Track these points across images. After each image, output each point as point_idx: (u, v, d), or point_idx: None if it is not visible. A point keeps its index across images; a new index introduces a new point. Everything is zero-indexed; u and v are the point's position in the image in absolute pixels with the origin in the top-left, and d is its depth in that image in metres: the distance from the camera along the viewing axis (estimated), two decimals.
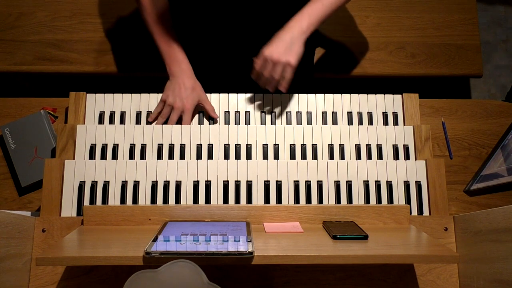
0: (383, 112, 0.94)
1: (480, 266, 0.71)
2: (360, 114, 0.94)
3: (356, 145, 0.89)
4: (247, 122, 0.94)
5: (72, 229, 0.78)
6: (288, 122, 0.94)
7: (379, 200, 0.85)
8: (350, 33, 1.38)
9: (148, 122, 0.93)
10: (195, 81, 0.95)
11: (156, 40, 0.97)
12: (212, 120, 0.94)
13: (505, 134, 1.01)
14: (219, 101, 0.95)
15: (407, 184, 0.85)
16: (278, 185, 0.84)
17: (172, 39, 0.97)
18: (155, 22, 0.97)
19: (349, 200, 0.84)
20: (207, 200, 0.84)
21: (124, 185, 0.84)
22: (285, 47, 0.85)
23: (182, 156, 0.88)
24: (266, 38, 0.97)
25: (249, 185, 0.84)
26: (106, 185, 0.84)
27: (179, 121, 0.93)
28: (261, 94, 0.95)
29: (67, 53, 1.32)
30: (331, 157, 0.89)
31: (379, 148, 0.89)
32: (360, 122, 0.93)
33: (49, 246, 0.77)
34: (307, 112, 0.94)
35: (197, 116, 0.95)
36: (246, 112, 0.94)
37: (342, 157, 0.89)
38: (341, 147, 0.89)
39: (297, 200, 0.84)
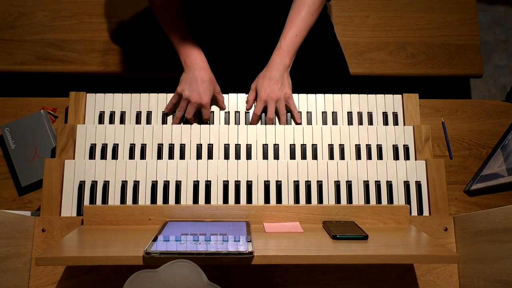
0: (383, 112, 0.94)
1: (480, 266, 0.71)
2: (360, 114, 0.94)
3: (356, 145, 0.89)
4: (247, 122, 0.94)
5: (72, 229, 0.78)
6: (288, 122, 0.94)
7: (379, 200, 0.85)
8: (350, 33, 1.38)
9: (148, 121, 0.93)
10: (210, 73, 0.95)
11: (170, 33, 0.97)
12: (223, 109, 0.94)
13: (505, 134, 1.01)
14: None
15: (407, 184, 0.85)
16: (278, 185, 0.84)
17: (186, 31, 0.97)
18: (168, 15, 0.97)
19: (349, 200, 0.84)
20: (207, 200, 0.84)
21: (124, 185, 0.84)
22: (278, 84, 0.92)
23: (182, 156, 0.88)
24: (265, 40, 0.98)
25: (249, 185, 0.84)
26: (106, 185, 0.84)
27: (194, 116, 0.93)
28: None
29: (67, 53, 1.32)
30: (331, 157, 0.89)
31: (379, 148, 0.89)
32: (360, 122, 0.93)
33: (49, 246, 0.77)
34: (307, 112, 0.94)
35: (197, 116, 0.95)
36: (246, 112, 0.94)
37: (342, 157, 0.89)
38: (341, 147, 0.89)
39: (297, 200, 0.84)
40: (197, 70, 0.93)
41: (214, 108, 0.95)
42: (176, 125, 0.91)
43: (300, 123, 0.93)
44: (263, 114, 0.94)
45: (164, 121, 0.94)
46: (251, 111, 0.94)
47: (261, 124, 0.94)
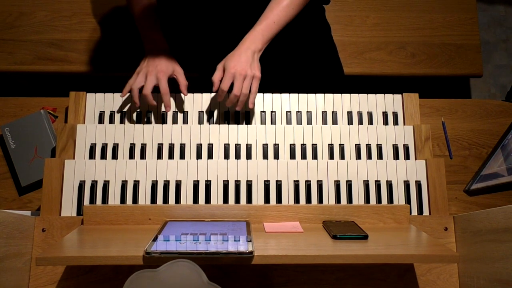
0: (383, 112, 0.94)
1: (480, 266, 0.71)
2: (360, 114, 0.94)
3: (356, 145, 0.89)
4: (247, 122, 0.94)
5: (72, 228, 0.78)
6: (288, 122, 0.94)
7: (379, 200, 0.85)
8: (350, 33, 1.38)
9: (148, 121, 0.93)
10: (170, 56, 0.96)
11: (136, 21, 1.00)
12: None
13: (505, 134, 1.01)
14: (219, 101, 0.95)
15: (407, 184, 0.85)
16: (278, 185, 0.84)
17: (152, 20, 0.99)
18: (137, 2, 0.99)
19: (349, 200, 0.84)
20: (207, 199, 0.84)
21: (124, 184, 0.84)
22: (248, 62, 0.88)
23: (182, 156, 0.88)
24: (242, 27, 0.97)
25: (249, 185, 0.84)
26: (106, 184, 0.84)
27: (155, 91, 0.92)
28: (261, 94, 0.95)
29: (67, 53, 1.32)
30: (331, 157, 0.89)
31: (379, 148, 0.89)
32: (360, 122, 0.93)
33: (49, 245, 0.77)
34: (307, 112, 0.94)
35: (197, 116, 0.95)
36: (246, 111, 0.94)
37: (342, 157, 0.89)
38: (341, 147, 0.89)
39: (297, 200, 0.84)
40: (156, 51, 0.95)
41: (214, 107, 0.95)
42: (175, 125, 0.91)
43: (252, 108, 0.92)
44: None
45: (164, 121, 0.94)
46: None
47: (261, 123, 0.94)
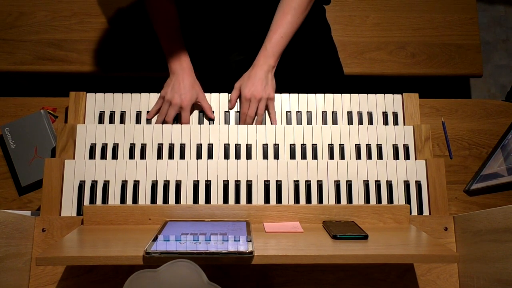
0: (383, 112, 0.94)
1: (480, 266, 0.71)
2: (360, 114, 0.94)
3: (356, 145, 0.89)
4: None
5: (72, 228, 0.78)
6: (288, 122, 0.94)
7: (379, 200, 0.85)
8: (350, 33, 1.38)
9: (148, 121, 0.93)
10: (195, 80, 0.96)
11: (160, 38, 0.98)
12: (212, 120, 0.94)
13: (505, 134, 1.01)
14: (219, 101, 0.95)
15: (407, 184, 0.85)
16: (278, 185, 0.84)
17: (176, 37, 0.98)
18: (160, 20, 0.98)
19: (349, 200, 0.84)
20: (207, 200, 0.84)
21: (124, 184, 0.84)
22: (263, 84, 0.92)
23: (182, 156, 0.88)
24: (246, 31, 0.98)
25: (249, 185, 0.84)
26: (106, 184, 0.84)
27: (177, 118, 0.94)
28: None
29: (67, 53, 1.32)
30: (331, 157, 0.89)
31: (379, 148, 0.89)
32: (360, 122, 0.93)
33: (49, 245, 0.77)
34: (307, 112, 0.94)
35: (197, 116, 0.95)
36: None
37: (342, 157, 0.89)
38: (341, 147, 0.89)
39: (297, 200, 0.84)
40: (181, 74, 0.94)
41: (214, 107, 0.95)
42: (176, 124, 0.91)
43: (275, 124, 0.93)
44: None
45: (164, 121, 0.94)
46: (233, 110, 0.95)
47: (261, 123, 0.94)
